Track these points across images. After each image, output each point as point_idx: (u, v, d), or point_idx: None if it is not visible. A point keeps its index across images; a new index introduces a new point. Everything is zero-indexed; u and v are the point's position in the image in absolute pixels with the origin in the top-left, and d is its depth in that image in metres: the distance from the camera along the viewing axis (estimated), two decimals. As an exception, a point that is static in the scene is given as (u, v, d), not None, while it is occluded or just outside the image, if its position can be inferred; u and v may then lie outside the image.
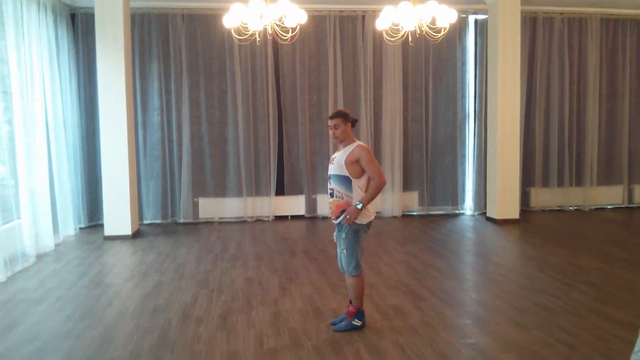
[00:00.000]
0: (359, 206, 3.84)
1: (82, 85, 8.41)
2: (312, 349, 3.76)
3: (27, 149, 6.38)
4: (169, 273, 5.77)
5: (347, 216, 3.87)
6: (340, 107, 8.86)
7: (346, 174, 3.90)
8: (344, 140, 4.00)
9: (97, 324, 4.28)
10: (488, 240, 7.53)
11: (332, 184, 4.00)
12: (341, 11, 8.85)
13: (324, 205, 9.03)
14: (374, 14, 8.53)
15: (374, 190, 3.88)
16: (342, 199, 3.94)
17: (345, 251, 3.97)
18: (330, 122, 4.02)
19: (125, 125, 7.49)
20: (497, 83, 8.37)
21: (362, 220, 3.94)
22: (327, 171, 4.12)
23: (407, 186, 9.31)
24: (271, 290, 5.13)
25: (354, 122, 4.08)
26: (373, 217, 4.04)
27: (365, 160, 3.88)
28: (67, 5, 8.10)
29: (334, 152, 4.21)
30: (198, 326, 4.20)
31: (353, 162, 3.90)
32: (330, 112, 8.86)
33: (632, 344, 3.72)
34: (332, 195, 4.00)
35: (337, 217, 3.98)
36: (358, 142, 3.98)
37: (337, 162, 3.96)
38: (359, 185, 3.92)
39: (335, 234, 4.11)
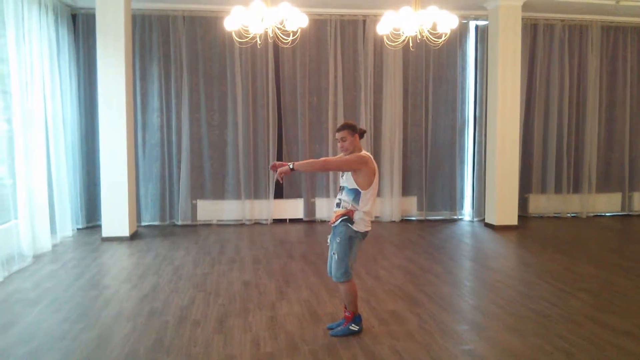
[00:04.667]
0: (290, 165, 3.86)
1: (82, 85, 8.40)
2: (309, 353, 3.75)
3: (26, 148, 6.36)
4: (166, 275, 5.76)
5: (279, 169, 3.86)
6: (340, 111, 8.89)
7: (355, 186, 3.89)
8: (353, 152, 3.97)
9: (93, 325, 4.27)
10: (486, 246, 7.53)
11: (342, 194, 3.99)
12: (342, 15, 8.85)
13: (323, 208, 9.03)
14: (375, 18, 8.54)
15: (313, 163, 4.09)
16: (347, 209, 3.94)
17: (336, 255, 3.97)
18: (337, 135, 3.99)
19: (125, 127, 7.48)
20: (497, 89, 8.38)
21: (360, 228, 3.93)
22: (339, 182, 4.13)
23: (406, 191, 9.31)
24: (268, 293, 5.12)
25: (362, 134, 4.05)
26: (370, 228, 4.02)
27: (348, 157, 3.91)
28: (68, 5, 8.09)
29: (333, 157, 4.19)
30: (195, 329, 4.19)
31: (354, 173, 3.90)
32: (330, 115, 8.91)
33: (628, 352, 3.73)
34: (338, 205, 4.00)
35: (334, 222, 3.98)
36: (360, 152, 3.96)
37: (347, 175, 3.96)
38: (365, 197, 3.90)
39: (329, 237, 4.11)
